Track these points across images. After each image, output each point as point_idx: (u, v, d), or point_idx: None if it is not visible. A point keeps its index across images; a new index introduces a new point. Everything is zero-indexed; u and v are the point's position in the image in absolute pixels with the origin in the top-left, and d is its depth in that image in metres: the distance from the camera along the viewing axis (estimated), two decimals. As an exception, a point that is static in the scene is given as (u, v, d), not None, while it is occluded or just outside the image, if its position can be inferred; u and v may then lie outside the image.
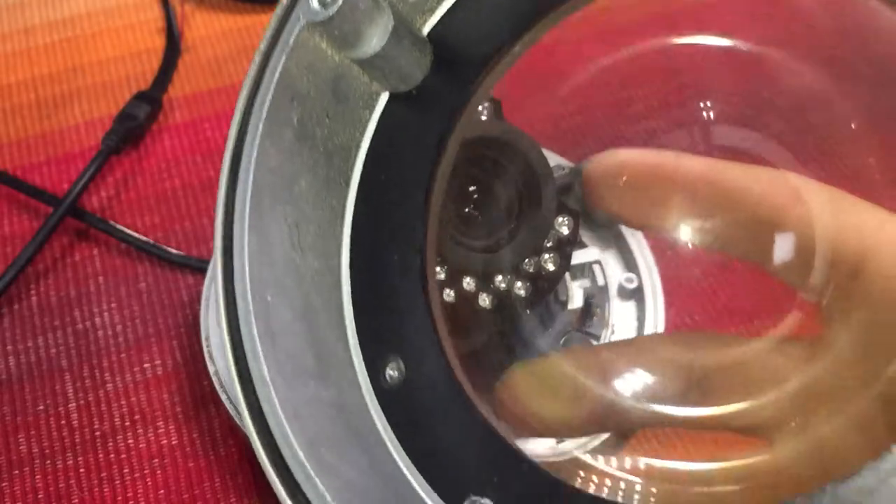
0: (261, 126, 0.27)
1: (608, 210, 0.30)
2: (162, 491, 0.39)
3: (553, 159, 0.37)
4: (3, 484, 0.39)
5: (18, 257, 0.44)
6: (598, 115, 0.37)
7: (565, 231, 0.32)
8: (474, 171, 0.32)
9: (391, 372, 0.27)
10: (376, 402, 0.27)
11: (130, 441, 0.40)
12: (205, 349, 0.39)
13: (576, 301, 0.36)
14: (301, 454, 0.25)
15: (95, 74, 0.53)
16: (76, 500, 0.39)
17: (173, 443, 0.40)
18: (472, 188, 0.33)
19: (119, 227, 0.46)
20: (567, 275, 0.33)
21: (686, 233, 0.29)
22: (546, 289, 0.32)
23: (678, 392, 0.28)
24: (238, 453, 0.40)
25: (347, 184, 0.28)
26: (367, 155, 0.28)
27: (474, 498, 0.25)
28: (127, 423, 0.41)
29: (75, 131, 0.51)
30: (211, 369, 0.39)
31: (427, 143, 0.28)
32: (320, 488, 0.25)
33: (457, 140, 0.28)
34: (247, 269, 0.26)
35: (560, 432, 0.30)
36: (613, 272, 0.37)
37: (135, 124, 0.49)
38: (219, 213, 0.27)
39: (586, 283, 0.37)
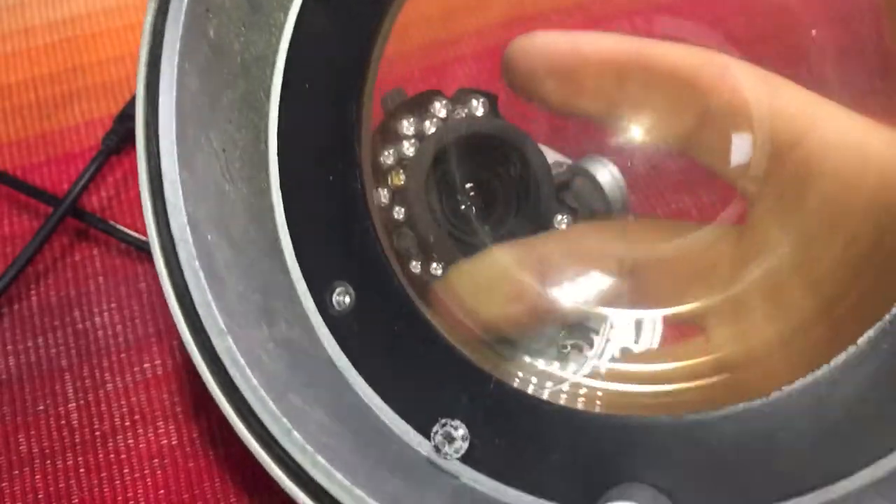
0: (178, 44, 0.24)
1: (530, 96, 0.29)
2: (162, 491, 0.39)
3: (551, 156, 0.37)
4: (3, 484, 0.39)
5: (18, 257, 0.43)
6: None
7: (564, 228, 0.32)
8: (471, 168, 0.32)
9: (339, 298, 0.26)
10: (326, 331, 0.26)
11: (130, 441, 0.40)
12: (204, 349, 0.39)
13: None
14: (273, 405, 0.24)
15: (95, 74, 0.53)
16: (76, 500, 0.38)
17: (173, 443, 0.40)
18: (468, 185, 0.32)
19: (119, 227, 0.46)
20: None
21: (615, 119, 0.28)
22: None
23: (611, 280, 0.28)
24: (238, 453, 0.40)
25: (268, 96, 0.27)
26: (287, 63, 0.26)
27: (444, 420, 0.25)
28: (127, 423, 0.40)
29: (75, 131, 0.51)
30: (211, 369, 0.39)
31: (350, 45, 0.25)
32: (299, 440, 0.24)
33: (384, 37, 0.26)
34: (183, 208, 0.24)
35: (499, 329, 0.30)
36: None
37: (135, 124, 0.49)
38: (140, 148, 0.25)
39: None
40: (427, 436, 0.25)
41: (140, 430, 0.40)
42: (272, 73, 0.27)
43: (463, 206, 0.32)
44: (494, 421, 0.24)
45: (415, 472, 0.25)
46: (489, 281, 0.30)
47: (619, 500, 0.22)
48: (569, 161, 0.36)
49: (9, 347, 0.43)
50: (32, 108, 0.52)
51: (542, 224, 0.31)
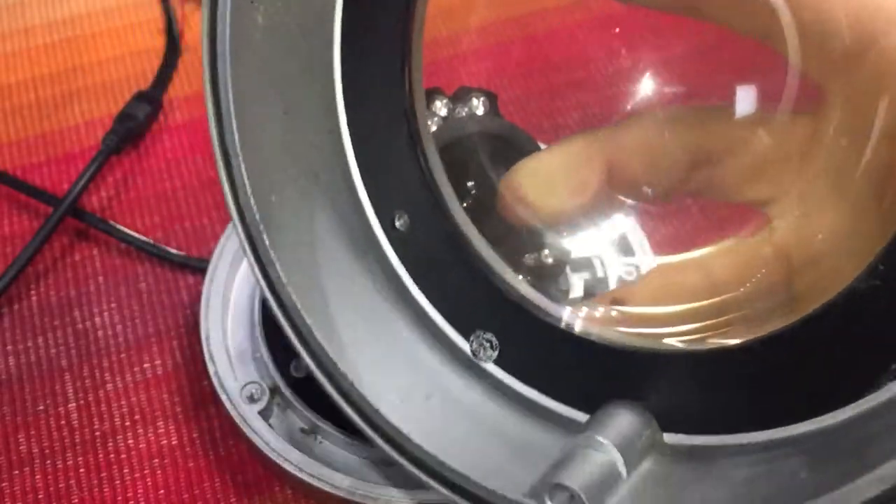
0: (228, 57, 0.27)
1: None
2: (162, 491, 0.39)
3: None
4: (3, 484, 0.39)
5: (18, 257, 0.43)
6: (595, 111, 0.36)
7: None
8: (471, 167, 0.32)
9: (399, 221, 0.30)
10: (390, 246, 0.30)
11: (130, 441, 0.40)
12: (205, 349, 0.39)
13: (576, 291, 0.36)
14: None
15: (95, 74, 0.53)
16: (76, 500, 0.38)
17: (173, 443, 0.40)
18: (469, 184, 0.32)
19: (119, 227, 0.46)
20: (567, 266, 0.33)
21: (688, 10, 0.28)
22: (546, 281, 0.32)
23: (681, 172, 0.29)
24: (238, 453, 0.40)
25: (330, 48, 0.29)
26: (344, 11, 0.28)
27: (479, 332, 0.29)
28: (127, 423, 0.40)
29: (75, 131, 0.51)
30: (211, 369, 0.39)
31: None
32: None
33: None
34: (246, 182, 0.28)
35: (559, 221, 0.32)
36: (613, 265, 0.37)
37: (135, 124, 0.49)
38: (215, 138, 0.28)
39: (586, 275, 0.37)
40: (468, 340, 0.30)
41: (140, 430, 0.40)
42: (332, 26, 0.29)
43: (465, 204, 0.32)
44: (520, 337, 0.29)
45: (460, 366, 0.30)
46: (550, 179, 0.30)
47: (605, 417, 0.27)
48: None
49: (9, 347, 0.43)
50: (32, 108, 0.52)
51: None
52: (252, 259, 0.29)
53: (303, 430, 0.38)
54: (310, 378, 0.38)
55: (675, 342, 0.28)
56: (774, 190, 0.28)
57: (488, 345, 0.29)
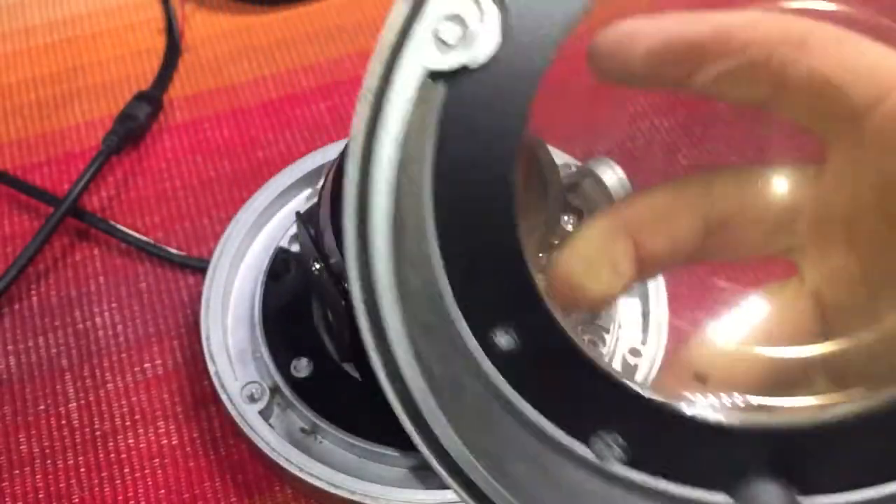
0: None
1: (619, 80, 0.29)
2: (162, 491, 0.39)
3: (560, 157, 0.37)
4: (4, 484, 0.39)
5: (19, 257, 0.43)
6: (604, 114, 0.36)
7: (570, 229, 0.32)
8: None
9: (502, 339, 0.29)
10: (496, 371, 0.29)
11: (131, 441, 0.40)
12: (205, 349, 0.39)
13: None
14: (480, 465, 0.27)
15: (95, 74, 0.53)
16: (76, 500, 0.39)
17: (173, 443, 0.40)
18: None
19: (119, 227, 0.46)
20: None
21: (695, 86, 0.28)
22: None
23: (699, 238, 0.29)
24: (238, 453, 0.40)
25: (420, 191, 0.28)
26: (438, 155, 0.27)
27: (601, 432, 0.28)
28: (127, 423, 0.41)
29: (75, 131, 0.51)
30: (211, 369, 0.39)
31: (503, 121, 0.26)
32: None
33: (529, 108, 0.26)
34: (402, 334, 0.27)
35: (607, 302, 0.33)
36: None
37: (135, 124, 0.49)
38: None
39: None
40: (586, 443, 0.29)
41: (140, 430, 0.40)
42: (424, 171, 0.27)
43: None
44: (644, 430, 0.28)
45: (587, 470, 0.29)
46: (591, 261, 0.31)
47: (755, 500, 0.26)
48: (578, 163, 0.36)
49: (9, 347, 0.43)
50: (32, 108, 0.52)
51: (549, 225, 0.32)
52: (399, 408, 0.28)
53: (303, 430, 0.38)
54: (310, 378, 0.39)
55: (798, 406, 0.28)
56: (793, 240, 0.29)
57: (614, 444, 0.28)
